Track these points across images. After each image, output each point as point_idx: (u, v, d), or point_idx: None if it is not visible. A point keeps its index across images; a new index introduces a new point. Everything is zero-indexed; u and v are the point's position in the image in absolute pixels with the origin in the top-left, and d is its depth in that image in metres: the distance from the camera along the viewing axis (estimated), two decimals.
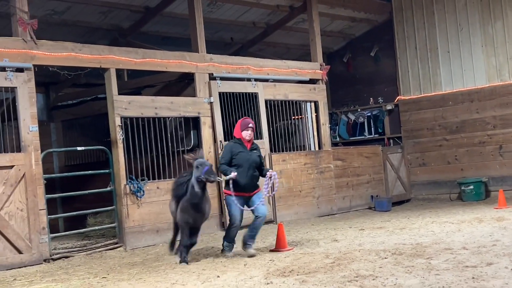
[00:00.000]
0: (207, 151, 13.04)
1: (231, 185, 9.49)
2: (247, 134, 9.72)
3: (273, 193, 10.49)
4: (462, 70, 16.88)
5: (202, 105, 13.17)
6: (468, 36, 16.77)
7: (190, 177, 9.28)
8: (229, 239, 9.87)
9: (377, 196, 16.31)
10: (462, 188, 16.28)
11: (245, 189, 9.62)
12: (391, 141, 18.38)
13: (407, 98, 17.86)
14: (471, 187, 16.12)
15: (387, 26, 18.31)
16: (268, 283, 7.28)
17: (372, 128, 18.75)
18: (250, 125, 9.76)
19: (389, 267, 7.63)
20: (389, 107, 18.33)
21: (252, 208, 9.66)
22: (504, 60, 16.22)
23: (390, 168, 17.21)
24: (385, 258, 8.32)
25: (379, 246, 9.47)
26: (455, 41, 16.98)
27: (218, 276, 8.04)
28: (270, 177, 9.73)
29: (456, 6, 16.91)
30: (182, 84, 14.31)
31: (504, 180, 16.02)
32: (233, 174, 9.45)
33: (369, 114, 18.82)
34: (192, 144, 13.45)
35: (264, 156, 13.99)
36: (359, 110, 19.00)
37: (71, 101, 16.07)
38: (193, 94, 13.26)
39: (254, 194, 9.74)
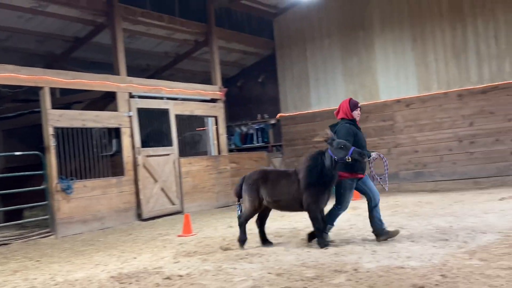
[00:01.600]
0: (127, 156, 12.75)
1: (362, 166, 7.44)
2: (357, 114, 7.81)
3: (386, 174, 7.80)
4: (328, 94, 17.34)
5: (122, 118, 12.85)
6: (332, 68, 17.25)
7: (319, 162, 7.28)
8: (332, 221, 7.74)
9: None
10: None
11: (363, 170, 7.62)
12: (274, 148, 18.64)
13: (286, 115, 18.16)
14: None
15: (271, 59, 18.55)
16: (176, 262, 7.18)
17: (260, 138, 18.95)
18: (359, 104, 7.91)
19: (272, 247, 7.70)
20: (272, 121, 18.60)
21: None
22: (359, 87, 16.81)
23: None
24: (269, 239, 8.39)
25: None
26: (322, 71, 17.43)
27: (135, 258, 7.85)
28: (379, 158, 7.75)
29: (323, 45, 17.39)
30: (106, 100, 13.90)
31: None
32: (375, 154, 7.59)
33: (257, 127, 19.02)
34: (113, 150, 13.13)
35: (174, 160, 13.85)
36: (249, 123, 19.16)
37: (11, 114, 15.30)
38: (115, 109, 12.92)
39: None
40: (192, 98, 15.09)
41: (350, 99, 7.91)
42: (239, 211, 7.97)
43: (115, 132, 12.98)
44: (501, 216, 8.79)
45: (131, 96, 13.12)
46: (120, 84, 12.92)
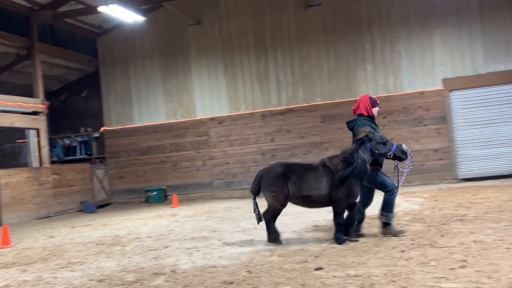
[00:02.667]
0: None
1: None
2: (376, 111, 7.12)
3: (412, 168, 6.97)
4: (150, 111, 17.16)
5: None
6: (153, 87, 17.13)
7: (356, 156, 6.46)
8: (392, 208, 6.82)
9: (86, 201, 15.62)
10: (148, 194, 16.46)
11: (382, 165, 6.95)
12: (98, 160, 17.83)
13: (110, 128, 17.52)
14: (155, 193, 16.38)
15: (95, 75, 17.78)
16: None
17: (83, 150, 17.99)
18: (378, 101, 7.19)
19: (94, 255, 7.32)
20: (96, 135, 17.79)
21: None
22: (177, 105, 16.92)
23: (96, 180, 16.65)
24: (91, 248, 7.97)
25: (86, 239, 9.04)
26: (144, 90, 17.22)
27: None
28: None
29: (145, 66, 17.20)
30: None
31: (177, 188, 16.61)
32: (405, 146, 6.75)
33: (80, 139, 18.03)
34: None
35: None
36: (72, 136, 18.09)
37: None
38: None
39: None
40: (13, 110, 13.77)
41: (369, 96, 7.20)
42: (257, 210, 6.82)
43: None
44: (295, 218, 9.47)
45: None
46: None
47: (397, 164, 6.93)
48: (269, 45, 16.19)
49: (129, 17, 14.31)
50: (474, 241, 6.00)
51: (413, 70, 15.09)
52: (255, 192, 6.87)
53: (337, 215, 6.57)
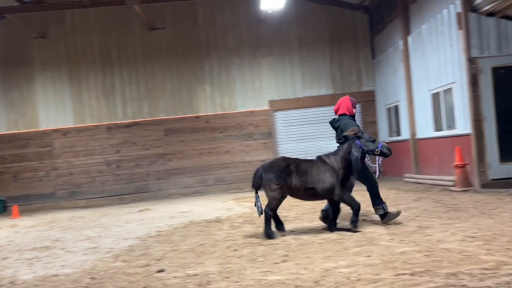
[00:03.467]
0: None
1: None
2: (355, 111, 7.00)
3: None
4: None
5: None
6: None
7: (353, 152, 6.35)
8: (381, 199, 6.79)
9: None
10: None
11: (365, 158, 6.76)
12: None
13: None
14: None
15: None
16: None
17: None
18: (356, 102, 7.07)
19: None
20: None
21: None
22: (19, 116, 15.42)
23: None
24: None
25: None
26: None
27: None
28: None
29: None
30: None
31: (17, 199, 15.03)
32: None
33: None
34: None
35: None
36: None
37: None
38: None
39: None
40: None
41: (349, 97, 7.05)
42: (259, 203, 6.37)
43: None
44: (140, 224, 9.22)
45: None
46: None
47: (379, 159, 6.71)
48: (115, 62, 15.65)
49: None
50: (294, 238, 6.44)
51: (245, 92, 15.83)
52: (257, 186, 6.50)
53: (351, 204, 6.45)
